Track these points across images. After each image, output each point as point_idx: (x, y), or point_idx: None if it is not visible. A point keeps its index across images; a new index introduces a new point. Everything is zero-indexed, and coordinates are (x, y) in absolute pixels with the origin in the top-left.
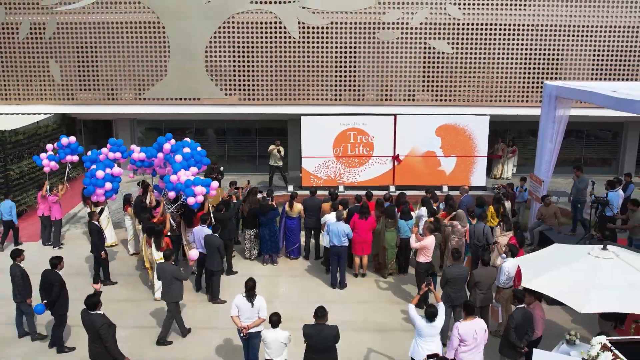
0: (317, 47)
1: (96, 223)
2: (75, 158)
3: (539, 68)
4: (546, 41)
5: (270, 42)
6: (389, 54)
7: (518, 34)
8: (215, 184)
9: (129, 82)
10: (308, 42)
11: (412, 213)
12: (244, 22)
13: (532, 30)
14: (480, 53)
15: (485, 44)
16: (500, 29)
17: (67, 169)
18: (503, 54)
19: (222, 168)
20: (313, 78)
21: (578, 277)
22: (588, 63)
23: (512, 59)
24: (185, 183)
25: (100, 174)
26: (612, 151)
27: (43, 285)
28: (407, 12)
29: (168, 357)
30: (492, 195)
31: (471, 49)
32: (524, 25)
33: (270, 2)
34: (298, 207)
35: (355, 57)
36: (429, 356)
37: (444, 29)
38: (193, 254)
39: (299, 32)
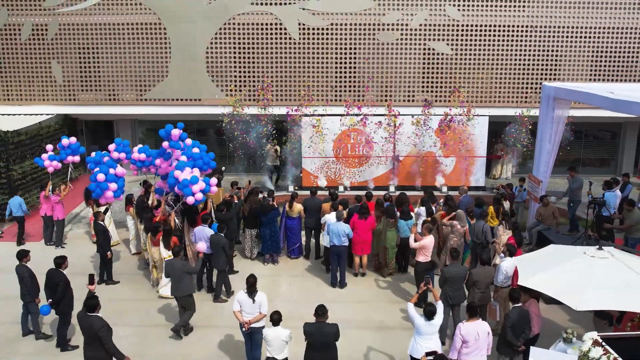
0: (318, 48)
1: (101, 223)
2: (77, 158)
3: (537, 69)
4: (545, 42)
5: (271, 43)
6: (389, 55)
7: (517, 35)
8: (214, 180)
9: (130, 83)
10: (308, 43)
11: (411, 213)
12: (244, 24)
13: (531, 31)
14: (479, 54)
15: (484, 45)
16: (499, 30)
17: (70, 169)
18: (502, 54)
19: (223, 168)
20: (313, 78)
21: (574, 276)
22: (587, 64)
23: (511, 59)
24: (182, 182)
25: (101, 177)
26: (610, 152)
27: (48, 284)
28: (407, 14)
29: (170, 354)
30: (491, 195)
31: (470, 49)
32: (522, 26)
33: (271, 4)
34: (298, 207)
35: (355, 58)
36: (427, 354)
37: (444, 30)
38: (201, 246)
39: (299, 33)
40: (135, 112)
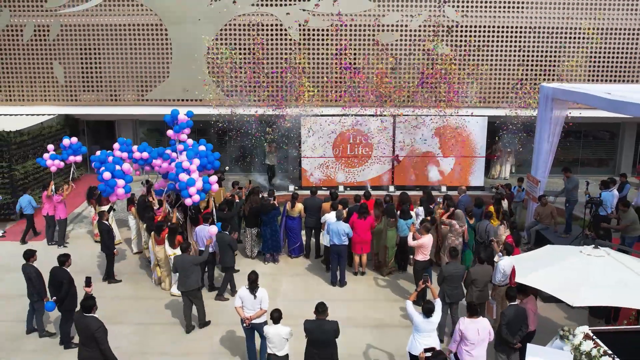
0: (317, 49)
1: (106, 222)
2: (79, 158)
3: (536, 69)
4: (544, 43)
5: (271, 44)
6: (389, 55)
7: (516, 36)
8: (214, 178)
9: (131, 83)
10: (308, 44)
11: (411, 212)
12: (245, 25)
13: (530, 32)
14: (478, 54)
15: (483, 45)
16: (498, 31)
17: (72, 169)
18: (501, 55)
19: (226, 168)
20: (313, 79)
21: (571, 273)
22: (585, 65)
23: (510, 60)
24: (179, 186)
25: (107, 175)
26: (609, 152)
27: (52, 282)
28: (406, 15)
29: (172, 352)
30: (489, 195)
31: (469, 50)
32: (521, 27)
33: (271, 5)
34: (299, 207)
35: (355, 58)
36: (425, 350)
37: (443, 31)
38: (213, 229)
39: (300, 34)
40: (137, 112)
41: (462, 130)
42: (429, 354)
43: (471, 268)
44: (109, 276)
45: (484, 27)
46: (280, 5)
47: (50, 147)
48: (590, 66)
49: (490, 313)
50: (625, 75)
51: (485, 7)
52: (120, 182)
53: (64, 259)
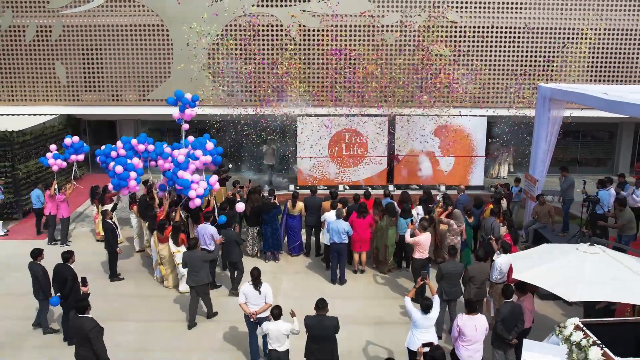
0: (317, 49)
1: (110, 221)
2: (81, 157)
3: (535, 70)
4: (542, 43)
5: (272, 44)
6: (388, 55)
7: (514, 37)
8: (214, 178)
9: (132, 83)
10: (308, 44)
11: (412, 211)
12: (246, 25)
13: (529, 32)
14: (477, 55)
15: (482, 46)
16: (497, 32)
17: (74, 168)
18: (500, 55)
19: (230, 166)
20: (313, 79)
21: (567, 270)
22: (583, 65)
23: (509, 60)
24: (183, 184)
25: (119, 169)
26: (607, 151)
27: (56, 279)
28: (406, 15)
29: (174, 348)
30: (488, 194)
31: (469, 51)
32: (520, 28)
33: (272, 6)
34: (300, 205)
35: (354, 58)
36: (424, 345)
37: (442, 31)
38: (240, 206)
39: (300, 35)
40: (138, 112)
41: (462, 130)
42: (426, 349)
43: (469, 266)
44: (112, 274)
45: (481, 27)
46: (281, 5)
47: (53, 147)
48: (588, 67)
49: (488, 310)
50: (622, 76)
51: (483, 7)
52: (133, 174)
53: (68, 256)
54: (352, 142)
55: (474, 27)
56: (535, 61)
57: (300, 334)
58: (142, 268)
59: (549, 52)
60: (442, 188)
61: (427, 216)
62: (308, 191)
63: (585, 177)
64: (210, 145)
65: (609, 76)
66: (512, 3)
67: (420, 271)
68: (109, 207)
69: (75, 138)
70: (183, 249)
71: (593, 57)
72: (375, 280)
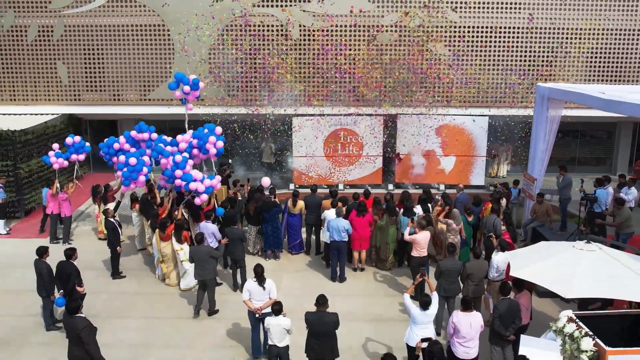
0: (317, 49)
1: (112, 220)
2: (82, 157)
3: (534, 70)
4: (541, 44)
5: (272, 45)
6: (388, 56)
7: (514, 37)
8: (217, 179)
9: (133, 83)
10: (308, 45)
11: (414, 210)
12: (246, 25)
13: (528, 33)
14: (477, 55)
15: (481, 46)
16: (496, 32)
17: (76, 167)
18: (499, 56)
19: (230, 161)
20: (313, 79)
21: (563, 267)
22: (582, 65)
23: (508, 60)
24: (186, 178)
25: (133, 160)
26: (606, 150)
27: (59, 276)
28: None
29: (176, 345)
30: (487, 193)
31: (468, 51)
32: (519, 28)
33: (273, 6)
34: (300, 204)
35: (354, 59)
36: (422, 340)
37: (442, 32)
38: (265, 180)
39: (300, 35)
40: (139, 112)
41: (463, 130)
42: (425, 344)
43: (467, 263)
44: (114, 272)
45: (481, 27)
46: (281, 6)
47: (56, 145)
48: (586, 67)
49: (487, 307)
50: (620, 76)
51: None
52: (144, 169)
53: (71, 253)
54: (347, 142)
55: (473, 27)
56: (534, 61)
57: (300, 330)
58: (144, 266)
59: (548, 52)
60: (442, 187)
61: (424, 215)
62: (307, 190)
63: (584, 176)
64: (219, 129)
65: (608, 76)
66: (511, 3)
67: (419, 269)
68: (111, 205)
69: (77, 137)
70: (186, 246)
71: (592, 57)
72: (375, 278)
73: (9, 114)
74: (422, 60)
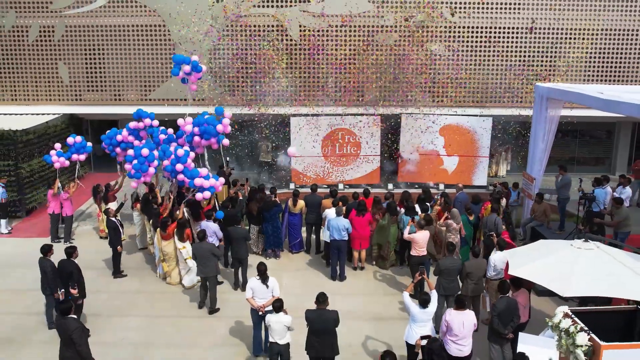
0: (317, 50)
1: (113, 220)
2: (82, 157)
3: (533, 70)
4: (541, 44)
5: (273, 45)
6: (388, 56)
7: (513, 37)
8: (221, 180)
9: (134, 83)
10: (308, 45)
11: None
12: (247, 25)
13: (527, 33)
14: (476, 55)
15: (481, 46)
16: (496, 32)
17: (77, 167)
18: (499, 56)
19: (228, 159)
20: (314, 79)
21: (562, 265)
22: (581, 65)
23: (507, 61)
24: (191, 173)
25: (145, 151)
26: (605, 150)
27: (60, 274)
28: (405, 16)
29: (177, 343)
30: (486, 192)
31: (468, 51)
32: (519, 28)
33: (273, 6)
34: (301, 204)
35: (355, 59)
36: (422, 337)
37: (441, 32)
38: (292, 150)
39: (300, 35)
40: None
41: (465, 130)
42: (424, 342)
43: (466, 262)
44: (115, 271)
45: (480, 27)
46: (281, 6)
47: (58, 145)
48: (585, 67)
49: (484, 305)
50: (619, 76)
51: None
52: (155, 162)
53: (71, 251)
54: (345, 142)
55: (473, 27)
56: (533, 60)
57: (301, 328)
58: (145, 265)
59: (547, 51)
60: (441, 187)
61: (424, 214)
62: (306, 190)
63: (583, 176)
64: (229, 113)
65: (606, 76)
66: (511, 3)
67: (418, 267)
68: (111, 205)
69: (78, 137)
70: (188, 245)
71: (591, 58)
72: (375, 277)
73: (11, 114)
74: (422, 61)
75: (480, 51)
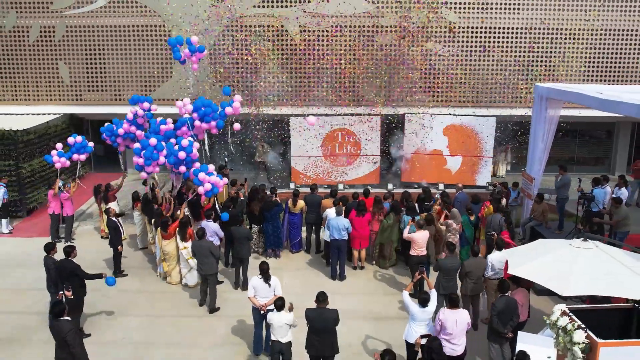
0: (317, 50)
1: (114, 219)
2: (83, 157)
3: (533, 70)
4: (541, 44)
5: (273, 45)
6: (388, 56)
7: (513, 37)
8: (224, 181)
9: (135, 83)
10: (308, 45)
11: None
12: (247, 26)
13: (527, 33)
14: (476, 55)
15: (481, 46)
16: (496, 32)
17: (78, 167)
18: (499, 56)
19: (226, 159)
20: (314, 79)
21: (560, 264)
22: (580, 66)
23: (507, 60)
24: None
25: (153, 141)
26: (605, 150)
27: (60, 273)
28: (405, 16)
29: (178, 343)
30: (486, 193)
31: (468, 51)
32: (519, 28)
33: (273, 7)
34: (301, 204)
35: (355, 59)
36: (421, 336)
37: (441, 32)
38: (311, 119)
39: (300, 35)
40: None
41: (470, 130)
42: (424, 341)
43: (465, 261)
44: (116, 271)
45: (479, 27)
46: (281, 6)
47: (59, 145)
48: (584, 67)
49: (484, 305)
50: (617, 76)
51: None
52: (164, 152)
53: (70, 250)
54: (345, 142)
55: (473, 27)
56: (533, 61)
57: (300, 327)
58: (146, 265)
59: (547, 51)
60: (441, 186)
61: (424, 214)
62: (306, 190)
63: (583, 176)
64: (238, 97)
65: (606, 76)
66: (510, 3)
67: (416, 268)
68: (112, 204)
69: (79, 137)
70: (189, 244)
71: (590, 58)
72: (375, 277)
73: (11, 114)
74: (423, 61)
75: (480, 51)
